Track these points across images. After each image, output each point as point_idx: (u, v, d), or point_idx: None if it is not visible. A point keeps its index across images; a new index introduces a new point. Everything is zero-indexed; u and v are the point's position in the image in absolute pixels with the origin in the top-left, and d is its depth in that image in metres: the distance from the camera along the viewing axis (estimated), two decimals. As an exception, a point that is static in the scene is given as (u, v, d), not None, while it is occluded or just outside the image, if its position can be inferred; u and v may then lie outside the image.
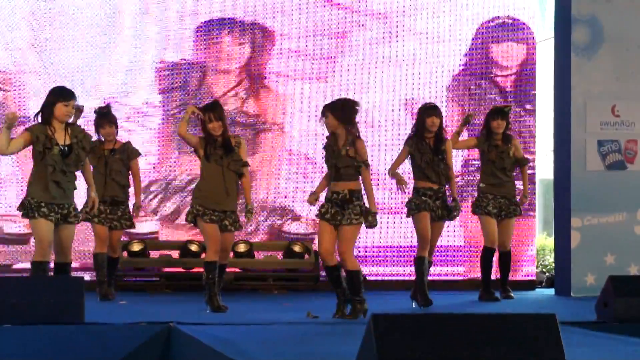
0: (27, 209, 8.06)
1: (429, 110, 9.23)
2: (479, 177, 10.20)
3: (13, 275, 10.70)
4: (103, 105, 10.18)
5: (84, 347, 7.08)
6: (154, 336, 7.14)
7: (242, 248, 11.46)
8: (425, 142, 9.14)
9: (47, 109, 8.03)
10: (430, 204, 9.11)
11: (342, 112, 7.98)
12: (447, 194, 9.19)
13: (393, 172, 9.11)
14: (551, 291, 11.81)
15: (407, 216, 9.37)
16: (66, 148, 8.06)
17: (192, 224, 8.79)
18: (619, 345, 6.55)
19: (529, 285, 12.04)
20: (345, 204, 7.94)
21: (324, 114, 8.05)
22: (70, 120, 8.20)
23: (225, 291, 10.47)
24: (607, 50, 11.29)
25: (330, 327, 7.39)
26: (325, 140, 8.25)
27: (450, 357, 4.10)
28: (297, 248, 11.53)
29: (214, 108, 8.56)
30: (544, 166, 12.41)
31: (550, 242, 12.97)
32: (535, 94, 12.22)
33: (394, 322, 4.19)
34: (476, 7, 12.25)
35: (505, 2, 12.35)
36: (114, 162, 9.67)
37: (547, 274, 12.94)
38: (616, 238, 11.10)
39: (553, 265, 12.22)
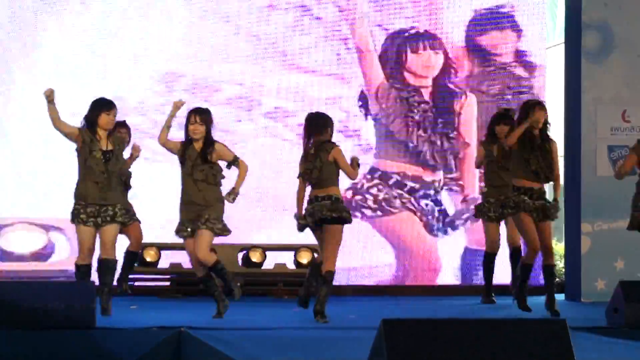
0: (72, 215, 8.62)
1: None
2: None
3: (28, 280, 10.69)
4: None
5: (95, 352, 7.12)
6: (164, 341, 7.17)
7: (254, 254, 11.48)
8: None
9: (91, 118, 8.56)
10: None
11: None
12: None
13: None
14: (561, 296, 11.73)
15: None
16: (108, 153, 8.53)
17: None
18: (630, 351, 6.57)
19: (539, 290, 12.03)
20: None
21: None
22: None
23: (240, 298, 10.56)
24: (618, 56, 11.31)
25: (341, 332, 7.41)
26: None
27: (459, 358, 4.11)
28: (304, 255, 11.51)
29: (202, 111, 8.64)
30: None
31: (560, 247, 12.95)
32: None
33: (404, 327, 4.21)
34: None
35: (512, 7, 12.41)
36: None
37: (557, 279, 12.93)
38: (626, 243, 11.01)
39: (563, 270, 12.20)
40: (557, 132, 12.03)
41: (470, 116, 12.29)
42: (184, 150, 8.48)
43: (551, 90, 12.52)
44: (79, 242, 8.71)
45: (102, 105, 8.62)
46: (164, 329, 7.30)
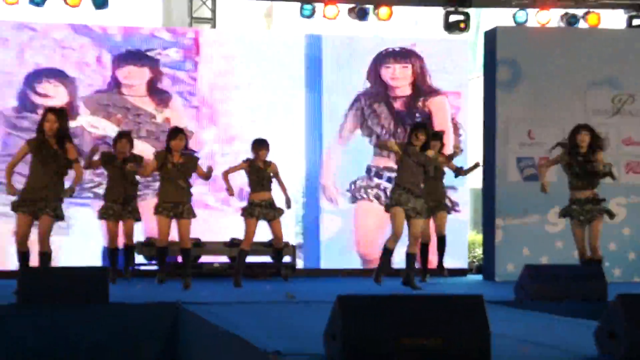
0: (155, 208, 9.19)
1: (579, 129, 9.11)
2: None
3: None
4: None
5: (109, 321, 7.08)
6: (164, 312, 7.17)
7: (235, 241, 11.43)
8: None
9: (167, 143, 9.22)
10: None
11: None
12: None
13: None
14: (479, 277, 11.85)
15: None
16: (179, 166, 9.12)
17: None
18: (533, 319, 6.62)
19: (462, 272, 12.13)
20: None
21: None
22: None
23: (222, 277, 10.57)
24: (525, 86, 11.34)
25: (305, 305, 7.36)
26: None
27: (397, 329, 4.09)
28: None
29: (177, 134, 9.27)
30: (474, 178, 12.48)
31: (479, 237, 12.99)
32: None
33: (355, 301, 4.22)
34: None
35: (442, 48, 12.44)
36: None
37: (476, 263, 12.99)
38: (531, 235, 11.14)
39: (481, 256, 12.26)
40: (477, 146, 12.16)
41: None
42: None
43: (472, 113, 12.57)
44: (158, 230, 9.25)
45: (175, 134, 9.26)
46: (164, 304, 7.30)
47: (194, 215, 9.25)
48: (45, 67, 11.41)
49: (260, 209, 9.46)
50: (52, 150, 8.18)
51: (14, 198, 8.37)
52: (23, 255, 8.27)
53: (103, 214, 9.74)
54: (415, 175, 8.96)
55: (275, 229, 9.61)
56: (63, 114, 8.40)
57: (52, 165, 8.19)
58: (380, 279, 8.98)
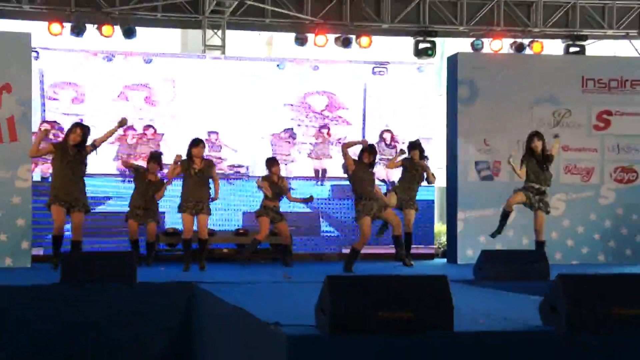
0: (179, 207, 9.12)
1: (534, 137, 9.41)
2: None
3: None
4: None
5: (135, 298, 7.11)
6: (182, 291, 7.19)
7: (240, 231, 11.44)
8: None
9: (188, 152, 9.12)
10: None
11: None
12: None
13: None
14: (444, 260, 11.84)
15: None
16: (199, 172, 9.06)
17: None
18: (489, 295, 6.65)
19: (429, 256, 12.13)
20: None
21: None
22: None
23: (231, 261, 10.55)
24: (481, 102, 11.32)
25: (301, 285, 7.34)
26: None
27: (376, 304, 4.11)
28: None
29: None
30: (439, 178, 12.50)
31: (443, 228, 13.00)
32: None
33: (341, 280, 4.26)
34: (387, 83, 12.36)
35: (411, 72, 12.41)
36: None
37: (441, 249, 13.00)
38: (487, 225, 10.97)
39: (446, 243, 12.28)
40: (442, 152, 12.17)
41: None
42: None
43: (436, 127, 12.54)
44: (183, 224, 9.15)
45: (196, 143, 9.16)
46: (182, 283, 7.32)
47: (210, 212, 9.26)
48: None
49: (271, 212, 9.88)
50: (71, 155, 8.51)
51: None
52: (58, 239, 8.58)
53: (129, 216, 9.88)
54: (369, 183, 9.26)
55: (283, 229, 9.93)
56: (87, 130, 8.75)
57: (72, 169, 8.51)
58: (351, 268, 9.11)
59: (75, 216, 8.54)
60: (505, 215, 9.57)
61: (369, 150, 9.37)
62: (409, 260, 10.08)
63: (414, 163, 10.26)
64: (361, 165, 9.25)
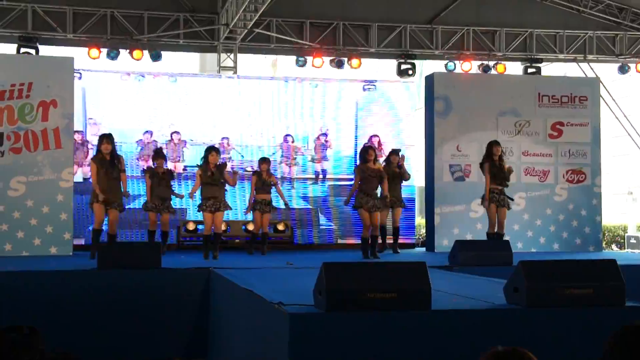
0: (199, 206, 8.96)
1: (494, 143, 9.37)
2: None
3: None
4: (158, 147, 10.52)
5: (160, 281, 7.08)
6: (200, 275, 7.15)
7: (250, 226, 11.39)
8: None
9: (204, 158, 8.94)
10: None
11: None
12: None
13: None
14: (423, 249, 11.83)
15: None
16: (213, 174, 8.87)
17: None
18: (461, 279, 6.62)
19: (411, 246, 12.10)
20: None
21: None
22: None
23: (241, 250, 10.50)
24: (454, 114, 11.31)
25: (302, 270, 7.28)
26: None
27: (365, 286, 4.08)
28: (281, 226, 11.41)
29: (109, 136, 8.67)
30: (419, 179, 12.49)
31: (423, 221, 13.00)
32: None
33: (335, 266, 4.22)
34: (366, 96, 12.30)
35: (390, 88, 12.34)
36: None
37: (421, 239, 12.98)
38: (459, 219, 11.15)
39: (425, 234, 12.27)
40: (421, 156, 12.15)
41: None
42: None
43: (417, 135, 12.55)
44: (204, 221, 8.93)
45: (210, 150, 8.93)
46: (200, 269, 7.28)
47: (228, 208, 9.16)
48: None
49: (260, 205, 9.76)
50: (107, 163, 8.55)
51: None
52: (98, 232, 8.58)
53: (148, 208, 9.69)
54: (372, 180, 8.98)
55: (265, 221, 9.88)
56: (112, 138, 8.73)
57: (111, 173, 8.53)
58: (368, 254, 9.00)
59: (112, 213, 8.55)
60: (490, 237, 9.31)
61: (370, 149, 9.09)
62: (396, 249, 10.10)
63: (392, 166, 10.13)
64: (365, 165, 9.00)
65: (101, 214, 8.52)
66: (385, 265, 4.51)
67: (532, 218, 11.38)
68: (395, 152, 10.29)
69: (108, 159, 8.54)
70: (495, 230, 9.32)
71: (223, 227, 9.54)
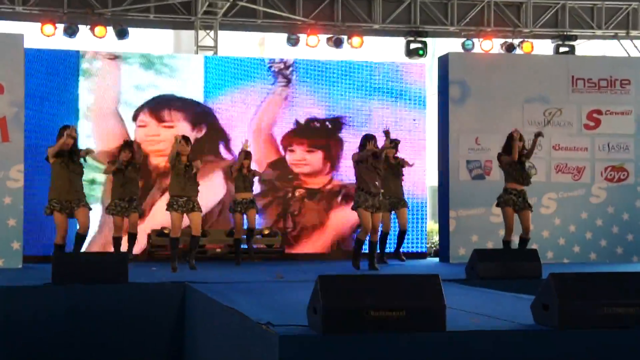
0: (168, 205, 8.86)
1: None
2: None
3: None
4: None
5: (127, 298, 7.05)
6: (174, 290, 7.13)
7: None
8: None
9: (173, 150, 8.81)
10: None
11: None
12: None
13: None
14: (436, 259, 11.83)
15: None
16: (186, 166, 8.80)
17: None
18: (481, 294, 6.63)
19: (422, 255, 12.11)
20: None
21: None
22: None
23: (223, 260, 10.48)
24: (472, 101, 11.32)
25: (292, 284, 7.33)
26: None
27: (368, 303, 4.09)
28: (267, 231, 11.40)
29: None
30: (431, 177, 12.49)
31: (436, 227, 13.00)
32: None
33: (333, 280, 4.23)
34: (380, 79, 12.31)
35: (403, 71, 12.36)
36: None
37: (434, 248, 12.99)
38: (478, 224, 11.12)
39: (438, 242, 12.27)
40: (433, 150, 12.16)
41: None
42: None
43: (430, 124, 12.56)
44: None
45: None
46: (174, 283, 7.26)
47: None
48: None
49: (240, 205, 9.94)
50: (126, 172, 9.39)
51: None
52: (119, 239, 9.43)
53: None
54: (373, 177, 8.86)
55: (251, 216, 10.05)
56: (132, 145, 9.67)
57: (128, 181, 9.43)
58: (358, 264, 8.97)
59: (133, 217, 9.51)
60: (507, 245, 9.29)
61: (373, 141, 8.92)
62: (401, 258, 10.11)
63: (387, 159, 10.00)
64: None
65: (120, 220, 9.54)
66: (391, 278, 4.52)
67: (565, 223, 11.40)
68: (392, 141, 10.04)
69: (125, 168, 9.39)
70: (518, 235, 9.27)
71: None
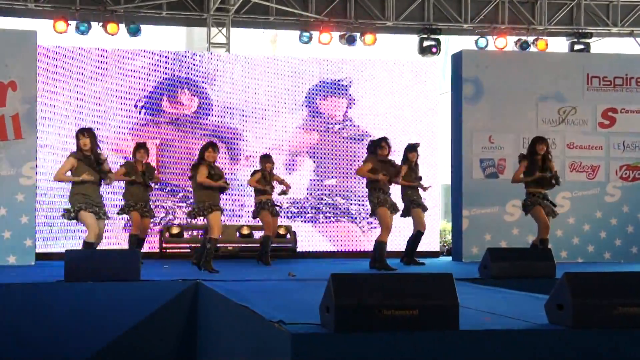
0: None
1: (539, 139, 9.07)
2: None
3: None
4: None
5: (139, 295, 7.04)
6: (187, 288, 7.13)
7: (245, 230, 11.44)
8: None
9: (200, 154, 8.67)
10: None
11: None
12: None
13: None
14: (449, 258, 11.85)
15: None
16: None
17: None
18: (494, 293, 6.60)
19: (435, 254, 12.10)
20: None
21: None
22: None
23: (234, 259, 10.50)
24: (485, 100, 11.31)
25: (304, 283, 7.31)
26: None
27: (381, 302, 4.09)
28: (282, 230, 11.42)
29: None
30: (444, 176, 12.47)
31: (449, 225, 12.99)
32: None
33: (346, 278, 4.22)
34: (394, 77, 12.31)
35: (416, 68, 12.38)
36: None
37: (447, 247, 12.99)
38: (492, 223, 11.12)
39: (451, 241, 12.26)
40: (447, 150, 12.14)
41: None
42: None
43: (442, 122, 12.55)
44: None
45: (207, 147, 8.65)
46: (187, 281, 7.25)
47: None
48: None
49: (268, 205, 9.73)
50: (139, 174, 9.21)
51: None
52: (136, 237, 9.26)
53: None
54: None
55: (275, 223, 9.89)
56: (147, 147, 9.47)
57: (141, 185, 9.25)
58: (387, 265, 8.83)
59: (146, 221, 9.46)
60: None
61: (384, 143, 8.96)
62: (413, 261, 10.02)
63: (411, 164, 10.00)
64: (376, 159, 8.92)
65: (139, 219, 9.33)
66: (404, 277, 4.50)
67: (579, 222, 11.37)
68: (413, 147, 10.00)
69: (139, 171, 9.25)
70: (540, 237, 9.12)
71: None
